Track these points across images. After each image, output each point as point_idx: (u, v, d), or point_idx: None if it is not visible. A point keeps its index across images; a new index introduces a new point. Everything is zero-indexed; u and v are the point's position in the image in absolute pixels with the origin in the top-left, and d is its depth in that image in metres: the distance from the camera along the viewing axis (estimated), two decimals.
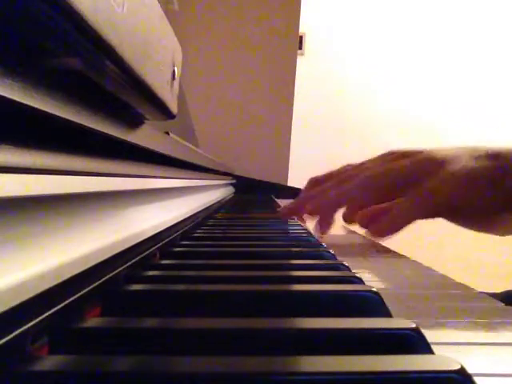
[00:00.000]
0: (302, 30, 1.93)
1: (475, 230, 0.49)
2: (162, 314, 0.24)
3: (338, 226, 0.65)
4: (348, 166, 0.58)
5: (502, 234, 0.50)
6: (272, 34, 1.73)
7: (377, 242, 0.58)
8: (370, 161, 0.53)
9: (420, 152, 0.48)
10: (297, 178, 0.84)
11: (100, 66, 0.21)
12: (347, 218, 0.54)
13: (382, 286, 0.36)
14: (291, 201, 0.71)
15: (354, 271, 0.33)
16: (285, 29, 1.74)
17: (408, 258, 0.50)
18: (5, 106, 0.15)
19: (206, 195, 0.78)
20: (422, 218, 0.45)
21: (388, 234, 0.44)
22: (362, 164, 0.53)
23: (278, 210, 0.72)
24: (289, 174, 1.74)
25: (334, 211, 0.50)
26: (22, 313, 0.15)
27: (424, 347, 0.19)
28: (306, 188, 0.66)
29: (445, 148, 0.48)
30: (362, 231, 0.67)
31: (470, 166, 0.44)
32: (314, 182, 0.63)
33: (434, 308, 0.31)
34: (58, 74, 0.20)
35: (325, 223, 0.51)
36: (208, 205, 0.73)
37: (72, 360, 0.17)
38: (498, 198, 0.45)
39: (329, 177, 0.62)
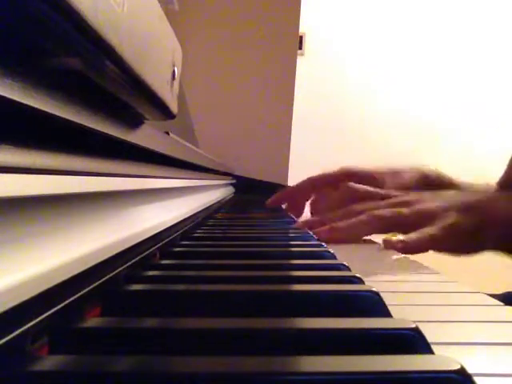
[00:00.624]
0: (301, 30, 1.93)
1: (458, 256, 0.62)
2: (162, 314, 0.24)
3: None
4: (344, 169, 0.69)
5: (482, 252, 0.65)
6: (272, 34, 1.73)
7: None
8: (372, 203, 0.64)
9: (417, 201, 0.61)
10: (297, 178, 0.84)
11: (100, 66, 0.21)
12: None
13: (382, 286, 0.36)
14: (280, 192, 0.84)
15: (352, 271, 0.33)
16: (285, 29, 1.74)
17: (408, 257, 0.50)
18: (5, 106, 0.15)
19: (206, 195, 0.78)
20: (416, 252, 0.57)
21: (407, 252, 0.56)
22: (367, 200, 0.65)
23: (267, 201, 0.85)
24: (289, 174, 1.74)
25: (338, 237, 0.60)
26: (21, 313, 0.15)
27: (424, 347, 0.19)
28: (300, 186, 0.78)
29: (433, 196, 0.63)
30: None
31: (455, 221, 0.57)
32: (311, 183, 0.74)
33: (433, 308, 0.31)
34: (58, 74, 0.20)
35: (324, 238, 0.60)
36: (208, 205, 0.73)
37: (72, 360, 0.17)
38: (477, 244, 0.61)
39: (325, 179, 0.73)
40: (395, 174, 0.75)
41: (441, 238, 0.56)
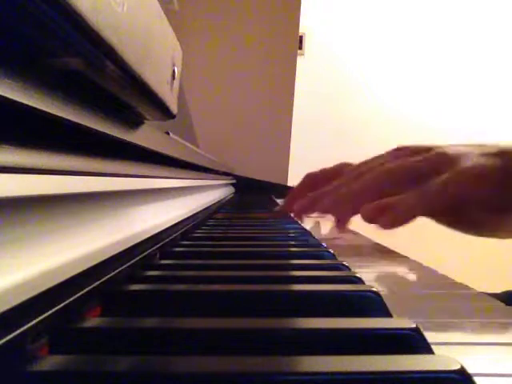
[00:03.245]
0: (302, 30, 1.93)
1: (477, 233, 0.49)
2: (162, 314, 0.24)
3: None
4: (344, 164, 0.59)
5: (504, 237, 0.50)
6: (272, 34, 1.73)
7: (378, 241, 0.59)
8: (379, 157, 0.53)
9: (431, 148, 0.49)
10: (297, 178, 0.84)
11: (100, 66, 0.21)
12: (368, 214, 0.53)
13: (382, 286, 0.36)
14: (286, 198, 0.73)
15: (354, 271, 0.33)
16: (285, 29, 1.74)
17: (408, 257, 0.50)
18: (5, 106, 0.15)
19: (206, 195, 0.78)
20: (427, 215, 0.45)
21: (393, 227, 0.45)
22: (371, 161, 0.53)
23: (276, 209, 0.74)
24: (289, 174, 1.74)
25: (352, 206, 0.50)
26: (22, 313, 0.15)
27: (424, 347, 0.19)
28: (301, 184, 0.67)
29: (454, 144, 0.49)
30: (362, 231, 0.67)
31: (480, 163, 0.45)
32: (312, 178, 0.63)
33: (434, 308, 0.31)
34: (58, 74, 0.20)
35: (343, 219, 0.50)
36: (208, 205, 0.73)
37: (72, 360, 0.17)
38: (506, 196, 0.45)
39: (325, 173, 0.62)
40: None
41: (457, 183, 0.45)
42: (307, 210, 0.60)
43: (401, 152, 0.51)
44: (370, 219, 0.49)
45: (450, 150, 0.47)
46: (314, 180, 0.65)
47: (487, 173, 0.44)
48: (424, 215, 0.45)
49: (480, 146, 0.48)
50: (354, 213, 0.52)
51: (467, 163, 0.45)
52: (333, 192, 0.53)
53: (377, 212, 0.47)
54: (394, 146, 0.55)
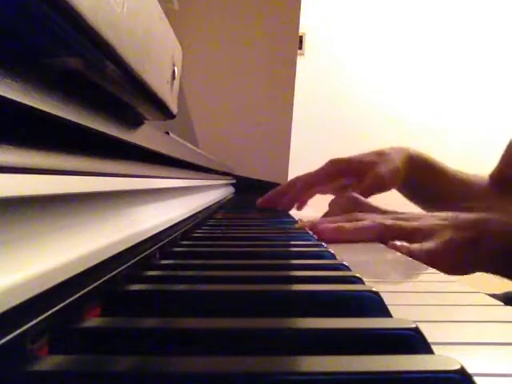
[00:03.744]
0: (302, 30, 1.93)
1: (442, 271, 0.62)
2: (162, 314, 0.24)
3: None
4: (333, 162, 0.76)
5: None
6: (272, 34, 1.73)
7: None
8: (374, 211, 0.68)
9: (417, 219, 0.63)
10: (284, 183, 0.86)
11: (100, 66, 0.21)
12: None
13: (382, 286, 0.36)
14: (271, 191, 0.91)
15: (352, 271, 0.33)
16: (285, 29, 1.74)
17: (407, 257, 0.50)
18: (5, 106, 0.15)
19: (206, 195, 0.78)
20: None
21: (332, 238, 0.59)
22: (365, 212, 0.68)
23: (258, 202, 0.91)
24: (289, 174, 1.74)
25: (339, 241, 0.62)
26: (21, 313, 0.15)
27: (424, 347, 0.19)
28: (285, 186, 0.87)
29: (437, 214, 0.64)
30: None
31: (452, 237, 0.58)
32: (304, 184, 0.82)
33: (433, 308, 0.31)
34: (58, 74, 0.20)
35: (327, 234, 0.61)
36: (208, 205, 0.73)
37: (72, 360, 0.17)
38: (472, 262, 0.60)
39: (316, 177, 0.80)
40: (381, 154, 0.84)
41: (438, 253, 0.58)
42: (270, 203, 0.85)
43: (391, 217, 0.64)
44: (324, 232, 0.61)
45: (429, 225, 0.61)
46: (306, 186, 0.83)
47: (458, 244, 0.57)
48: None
49: (453, 218, 0.62)
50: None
51: (444, 236, 0.57)
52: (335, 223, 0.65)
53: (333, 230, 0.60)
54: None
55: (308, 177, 0.86)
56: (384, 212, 0.69)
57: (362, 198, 0.73)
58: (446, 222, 0.61)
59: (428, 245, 0.58)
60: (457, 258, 0.60)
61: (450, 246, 0.58)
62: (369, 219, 0.63)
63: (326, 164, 0.86)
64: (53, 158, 0.20)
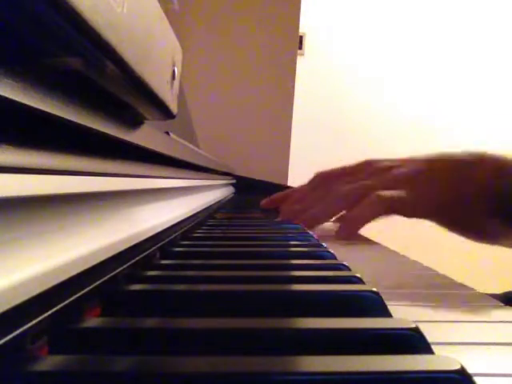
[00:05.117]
0: (302, 30, 1.93)
1: (469, 236, 0.55)
2: (162, 314, 0.24)
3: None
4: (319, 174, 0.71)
5: (491, 244, 0.55)
6: (272, 34, 1.73)
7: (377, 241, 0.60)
8: (348, 173, 0.65)
9: (392, 167, 0.61)
10: (297, 178, 0.85)
11: (100, 66, 0.21)
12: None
13: (382, 286, 0.36)
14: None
15: (353, 270, 0.33)
16: (285, 29, 1.74)
17: (408, 257, 0.50)
18: (5, 106, 0.15)
19: (206, 195, 0.78)
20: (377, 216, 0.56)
21: (349, 235, 0.58)
22: (340, 176, 0.66)
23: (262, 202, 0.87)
24: (289, 174, 1.74)
25: (322, 222, 0.64)
26: (21, 313, 0.15)
27: (424, 347, 0.19)
28: (287, 192, 0.81)
29: (416, 158, 0.62)
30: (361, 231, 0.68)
31: (458, 175, 0.54)
32: (322, 180, 0.75)
33: (433, 308, 0.31)
34: (58, 74, 0.20)
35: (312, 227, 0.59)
36: (208, 205, 0.73)
37: (72, 360, 0.17)
38: (487, 203, 0.52)
39: (336, 175, 0.75)
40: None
41: (434, 190, 0.52)
42: (290, 218, 0.72)
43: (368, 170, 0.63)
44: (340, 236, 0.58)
45: (426, 162, 0.58)
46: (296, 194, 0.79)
47: (466, 181, 0.53)
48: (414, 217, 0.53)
49: (458, 153, 0.55)
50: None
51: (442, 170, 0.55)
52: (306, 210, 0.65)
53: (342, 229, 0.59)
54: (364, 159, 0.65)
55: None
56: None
57: (327, 171, 0.68)
58: (426, 164, 0.55)
59: (423, 187, 0.53)
60: (462, 196, 0.52)
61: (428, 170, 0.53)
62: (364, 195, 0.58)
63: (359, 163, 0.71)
64: (53, 158, 0.20)
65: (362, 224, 0.56)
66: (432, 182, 0.53)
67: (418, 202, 0.53)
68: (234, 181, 1.43)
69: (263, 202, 0.89)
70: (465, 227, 0.56)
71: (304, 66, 2.28)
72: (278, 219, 0.76)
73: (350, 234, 0.57)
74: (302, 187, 0.79)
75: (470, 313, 0.29)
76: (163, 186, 0.44)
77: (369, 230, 0.65)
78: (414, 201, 0.53)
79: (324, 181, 0.68)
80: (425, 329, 0.20)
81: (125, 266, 0.29)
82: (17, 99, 0.16)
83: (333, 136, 2.63)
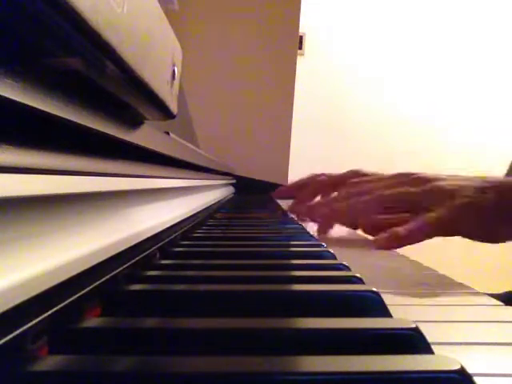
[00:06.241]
0: (302, 30, 1.93)
1: (491, 241, 0.55)
2: (162, 314, 0.24)
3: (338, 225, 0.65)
4: (355, 173, 0.66)
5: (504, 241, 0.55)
6: (272, 34, 1.73)
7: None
8: (382, 179, 0.59)
9: (429, 180, 0.55)
10: (297, 178, 0.84)
11: (100, 66, 0.21)
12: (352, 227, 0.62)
13: (382, 286, 0.36)
14: (293, 201, 0.79)
15: (352, 270, 0.33)
16: (285, 29, 1.74)
17: (408, 257, 0.50)
18: (5, 106, 0.15)
19: (206, 195, 0.78)
20: (426, 239, 0.51)
21: (391, 248, 0.51)
22: (376, 180, 0.59)
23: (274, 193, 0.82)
24: (289, 174, 1.74)
25: (343, 221, 0.57)
26: (21, 313, 0.15)
27: (424, 347, 0.19)
28: (305, 180, 0.75)
29: (451, 176, 0.57)
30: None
31: (471, 200, 0.51)
32: (320, 183, 0.71)
33: (433, 308, 0.31)
34: (58, 74, 0.20)
35: (326, 229, 0.57)
36: (208, 205, 0.73)
37: (72, 360, 0.17)
38: (502, 227, 0.53)
39: (336, 180, 0.70)
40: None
41: (451, 220, 0.51)
42: (306, 215, 0.67)
43: (403, 180, 0.57)
44: (370, 232, 0.56)
45: (448, 184, 0.54)
46: (320, 187, 0.73)
47: (483, 207, 0.51)
48: (422, 240, 0.52)
49: (474, 179, 0.55)
50: (347, 225, 0.60)
51: (464, 199, 0.51)
52: (329, 204, 0.60)
53: (379, 229, 0.53)
54: (399, 171, 0.61)
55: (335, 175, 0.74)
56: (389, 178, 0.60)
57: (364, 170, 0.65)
58: (464, 183, 0.53)
59: (435, 213, 0.51)
60: (477, 224, 0.52)
61: (467, 211, 0.50)
62: (366, 192, 0.56)
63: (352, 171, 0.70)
64: (53, 158, 0.20)
65: (409, 243, 0.54)
66: (452, 210, 0.53)
67: (456, 220, 0.53)
68: (233, 181, 1.43)
69: (277, 190, 0.84)
70: (482, 237, 0.56)
71: (304, 66, 2.28)
72: (292, 210, 0.73)
73: (390, 247, 0.54)
74: (321, 179, 0.74)
75: (470, 313, 0.29)
76: (163, 186, 0.44)
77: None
78: (453, 220, 0.52)
79: (354, 180, 0.64)
80: (425, 329, 0.20)
81: (125, 266, 0.29)
82: (17, 99, 0.16)
83: (333, 136, 2.63)
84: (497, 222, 0.52)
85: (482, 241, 0.55)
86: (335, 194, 0.67)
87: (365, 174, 0.69)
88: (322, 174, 0.77)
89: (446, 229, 0.52)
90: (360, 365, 0.16)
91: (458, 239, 0.58)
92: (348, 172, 0.72)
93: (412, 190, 0.55)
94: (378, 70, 2.68)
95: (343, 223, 0.60)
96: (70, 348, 0.20)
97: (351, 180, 0.64)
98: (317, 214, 0.59)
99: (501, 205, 0.51)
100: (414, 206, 0.54)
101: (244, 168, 1.54)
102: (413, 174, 0.59)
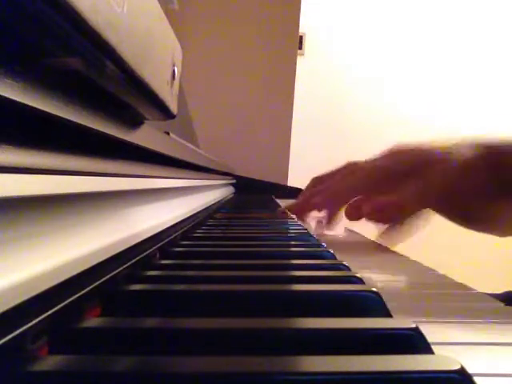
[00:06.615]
0: (302, 30, 1.93)
1: (475, 227, 0.52)
2: (161, 314, 0.24)
3: (339, 226, 0.65)
4: (350, 163, 0.63)
5: (500, 234, 0.52)
6: (272, 34, 1.73)
7: (380, 241, 0.59)
8: (373, 159, 0.57)
9: (420, 146, 0.54)
10: (297, 178, 0.84)
11: (100, 66, 0.21)
12: (350, 213, 0.59)
13: (382, 286, 0.36)
14: (293, 200, 0.76)
15: (353, 271, 0.33)
16: (285, 29, 1.74)
17: (408, 257, 0.50)
18: (5, 106, 0.15)
19: (206, 195, 0.78)
20: (424, 207, 0.49)
21: (396, 224, 0.50)
22: (365, 162, 0.57)
23: (280, 209, 0.77)
24: (289, 174, 1.74)
25: (341, 204, 0.55)
26: (21, 313, 0.15)
27: (424, 347, 0.19)
28: (308, 186, 0.71)
29: (443, 141, 0.54)
30: (362, 231, 0.68)
31: (467, 156, 0.49)
32: (318, 181, 0.68)
33: (433, 308, 0.31)
34: (58, 74, 0.20)
35: (331, 217, 0.55)
36: (208, 205, 0.73)
37: (72, 360, 0.17)
38: (493, 185, 0.49)
39: (331, 176, 0.67)
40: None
41: (442, 184, 0.48)
42: (303, 210, 0.65)
43: (393, 153, 0.55)
44: (370, 215, 0.53)
45: (439, 146, 0.52)
46: (320, 183, 0.69)
47: (473, 164, 0.48)
48: (421, 208, 0.50)
49: (467, 140, 0.52)
50: (341, 207, 0.57)
51: (454, 157, 0.49)
52: (324, 190, 0.58)
53: (378, 208, 0.51)
54: (389, 146, 0.59)
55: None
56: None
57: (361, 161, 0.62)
58: (457, 144, 0.51)
59: (435, 172, 0.48)
60: (470, 182, 0.48)
61: (463, 167, 0.47)
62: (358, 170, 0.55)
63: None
64: (53, 158, 0.20)
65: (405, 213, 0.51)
66: (444, 172, 0.50)
67: (428, 189, 0.50)
68: (233, 181, 1.43)
69: (289, 209, 0.76)
70: (471, 215, 0.52)
71: (304, 66, 2.28)
72: (281, 210, 0.72)
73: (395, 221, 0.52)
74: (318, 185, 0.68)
75: (470, 313, 0.29)
76: (163, 186, 0.44)
77: (369, 231, 0.64)
78: (424, 189, 0.49)
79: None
80: (425, 329, 0.20)
81: (125, 266, 0.29)
82: (17, 99, 0.16)
83: (333, 136, 2.63)
84: (490, 184, 0.47)
85: (476, 223, 0.50)
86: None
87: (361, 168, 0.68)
88: (318, 178, 0.71)
89: (438, 195, 0.49)
90: (360, 365, 0.16)
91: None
92: (344, 165, 0.70)
93: (402, 156, 0.54)
94: (378, 70, 2.68)
95: (339, 205, 0.57)
96: (69, 348, 0.20)
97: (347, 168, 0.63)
98: (312, 204, 0.57)
99: (492, 163, 0.47)
100: (408, 175, 0.52)
101: (244, 168, 1.54)
102: (400, 148, 0.57)
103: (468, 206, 0.51)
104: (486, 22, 2.66)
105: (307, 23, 2.36)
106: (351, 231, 0.74)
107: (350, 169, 0.59)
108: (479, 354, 0.21)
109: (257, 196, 1.42)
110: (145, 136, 0.34)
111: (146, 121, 0.35)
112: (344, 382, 0.16)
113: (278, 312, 0.25)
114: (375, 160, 0.57)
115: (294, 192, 1.27)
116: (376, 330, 0.20)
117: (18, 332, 0.15)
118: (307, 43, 2.60)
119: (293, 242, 0.52)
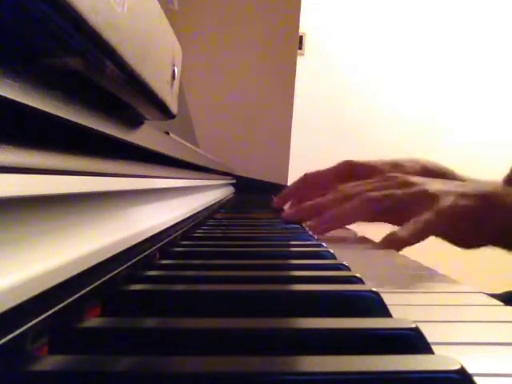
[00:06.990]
0: (302, 30, 1.93)
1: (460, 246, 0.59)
2: (161, 314, 0.24)
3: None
4: (345, 162, 0.68)
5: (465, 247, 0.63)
6: (272, 34, 1.73)
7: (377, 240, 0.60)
8: (368, 183, 0.60)
9: (416, 184, 0.58)
10: (297, 178, 0.84)
11: (100, 66, 0.21)
12: (279, 204, 0.75)
13: (382, 286, 0.36)
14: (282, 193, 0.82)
15: (352, 270, 0.33)
16: (285, 29, 1.74)
17: (407, 257, 0.50)
18: (5, 106, 0.15)
19: (206, 195, 0.78)
20: (415, 243, 0.53)
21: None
22: (362, 185, 0.61)
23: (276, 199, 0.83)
24: (289, 174, 1.74)
25: (333, 228, 0.59)
26: (21, 313, 0.15)
27: (424, 347, 0.19)
28: (298, 185, 0.77)
29: (437, 181, 0.60)
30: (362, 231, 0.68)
31: (459, 204, 0.54)
32: (310, 179, 0.73)
33: (433, 308, 0.31)
34: (58, 74, 0.20)
35: (319, 232, 0.59)
36: (208, 205, 0.73)
37: (72, 360, 0.17)
38: (481, 233, 0.57)
39: (325, 175, 0.71)
40: (396, 165, 0.75)
41: (437, 222, 0.54)
42: (297, 219, 0.69)
43: (389, 182, 0.59)
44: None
45: (433, 188, 0.57)
46: (310, 184, 0.75)
47: (464, 214, 0.54)
48: (413, 243, 0.53)
49: (459, 185, 0.59)
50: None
51: (446, 203, 0.54)
52: (320, 209, 0.62)
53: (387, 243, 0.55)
54: (384, 173, 0.64)
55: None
56: (382, 175, 0.63)
57: (357, 161, 0.68)
58: (449, 189, 0.56)
59: (424, 216, 0.53)
60: (460, 228, 0.55)
61: (451, 214, 0.53)
62: (357, 195, 0.58)
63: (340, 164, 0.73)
64: (53, 158, 0.20)
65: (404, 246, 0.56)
66: (455, 209, 0.55)
67: (439, 220, 0.55)
68: (233, 181, 1.43)
69: (277, 201, 0.85)
70: (465, 244, 0.61)
71: (304, 66, 2.28)
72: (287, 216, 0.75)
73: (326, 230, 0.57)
74: (309, 180, 0.76)
75: (470, 313, 0.29)
76: (163, 186, 0.44)
77: (369, 231, 0.65)
78: (436, 222, 0.55)
79: (341, 186, 0.67)
80: (425, 329, 0.20)
81: (125, 266, 0.29)
82: (17, 99, 0.16)
83: (333, 136, 2.63)
84: (472, 227, 0.55)
85: (458, 245, 0.59)
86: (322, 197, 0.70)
87: (357, 164, 0.72)
88: (312, 173, 0.77)
89: (432, 231, 0.55)
90: (360, 365, 0.16)
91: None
92: (340, 163, 0.74)
93: (398, 192, 0.58)
94: (377, 70, 2.68)
95: (332, 229, 0.61)
96: (70, 348, 0.20)
97: (338, 186, 0.66)
98: (309, 227, 0.60)
99: (477, 212, 0.54)
100: (400, 211, 0.57)
101: (244, 168, 1.54)
102: (397, 176, 0.62)
103: (456, 243, 0.60)
104: (486, 22, 2.66)
105: (307, 23, 2.36)
106: (346, 228, 0.74)
107: (347, 192, 0.62)
108: (479, 354, 0.21)
109: (257, 196, 1.41)
110: (145, 136, 0.34)
111: (145, 121, 0.35)
112: (344, 382, 0.16)
113: (278, 312, 0.25)
114: (371, 187, 0.61)
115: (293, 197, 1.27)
116: (376, 329, 0.20)
117: (18, 332, 0.15)
118: (307, 43, 2.60)
119: (293, 242, 0.52)
